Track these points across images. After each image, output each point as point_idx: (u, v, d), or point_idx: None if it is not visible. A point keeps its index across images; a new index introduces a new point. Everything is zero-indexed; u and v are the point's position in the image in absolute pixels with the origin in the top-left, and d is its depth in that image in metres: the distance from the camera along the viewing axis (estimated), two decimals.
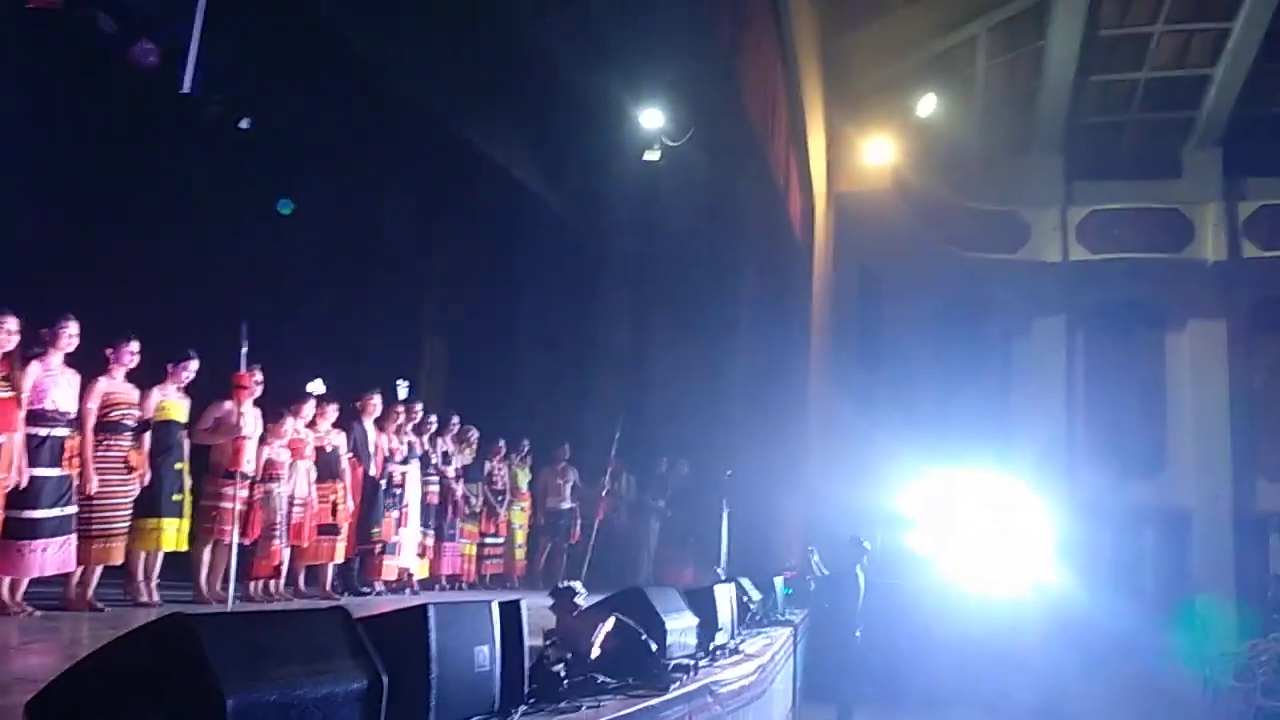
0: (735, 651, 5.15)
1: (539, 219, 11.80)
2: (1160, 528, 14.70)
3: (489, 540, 8.94)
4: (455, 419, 8.67)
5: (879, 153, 13.42)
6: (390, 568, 7.48)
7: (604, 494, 9.39)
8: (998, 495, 12.28)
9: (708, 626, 4.83)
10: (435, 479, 8.10)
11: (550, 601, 4.09)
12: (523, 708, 2.91)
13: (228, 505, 5.63)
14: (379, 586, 7.36)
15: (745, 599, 6.38)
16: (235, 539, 5.30)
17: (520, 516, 9.42)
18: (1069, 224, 15.18)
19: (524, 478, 9.53)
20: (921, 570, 10.49)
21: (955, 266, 14.92)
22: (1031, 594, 11.06)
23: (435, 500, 8.07)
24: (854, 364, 14.35)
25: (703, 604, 4.96)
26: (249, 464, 5.83)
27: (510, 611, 3.01)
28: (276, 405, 6.35)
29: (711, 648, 4.79)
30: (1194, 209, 14.95)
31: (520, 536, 9.42)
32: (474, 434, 8.86)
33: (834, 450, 12.40)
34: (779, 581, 8.41)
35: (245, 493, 5.79)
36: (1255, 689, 8.67)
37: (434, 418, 8.25)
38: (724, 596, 5.43)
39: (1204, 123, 15.14)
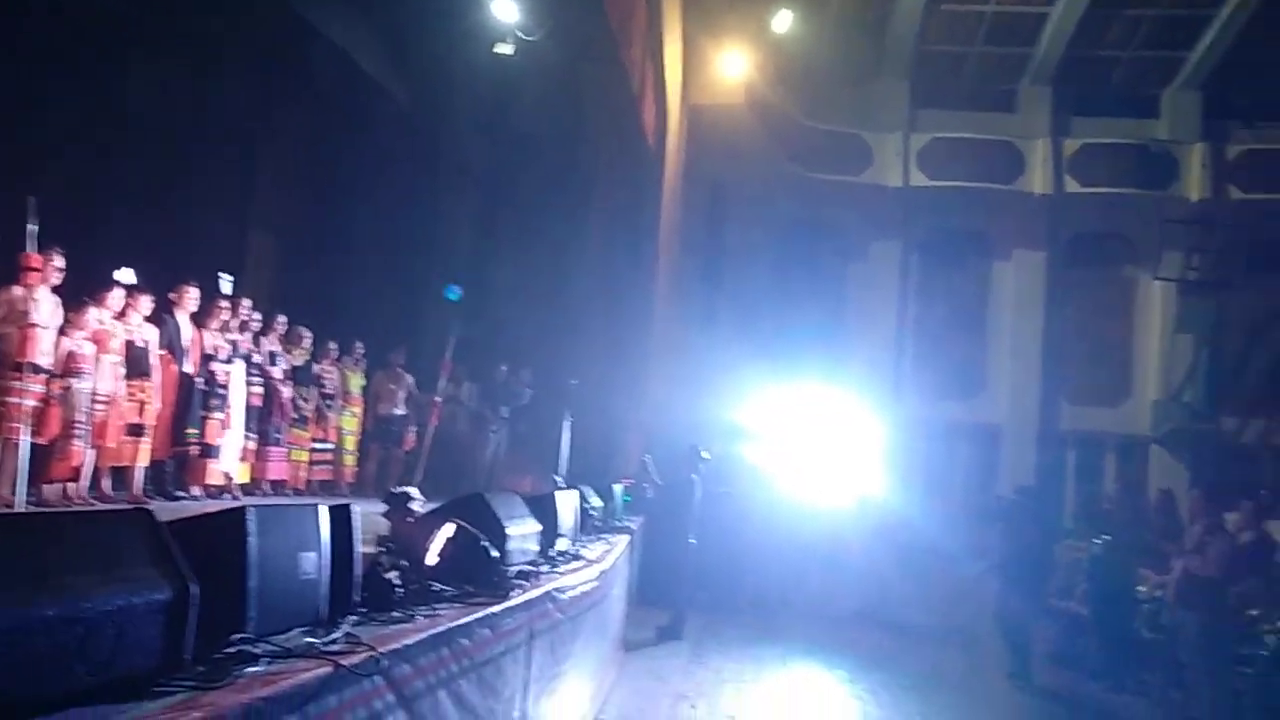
0: (577, 558, 5.09)
1: (381, 110, 11.14)
2: (974, 443, 15.65)
3: (318, 445, 8.56)
4: (282, 318, 8.17)
5: (733, 66, 13.31)
6: (213, 472, 7.05)
7: (437, 400, 9.10)
8: (830, 410, 12.67)
9: (549, 533, 4.73)
10: (260, 380, 7.64)
11: (384, 508, 3.88)
12: (352, 617, 2.72)
13: (16, 400, 5.08)
14: (197, 492, 6.92)
15: (587, 506, 6.33)
16: (27, 437, 4.80)
17: (351, 422, 9.05)
18: (911, 150, 15.58)
19: (356, 382, 9.13)
20: (756, 480, 10.76)
21: (800, 186, 15.12)
22: (857, 503, 11.53)
23: (259, 402, 7.62)
24: (699, 278, 14.45)
25: (545, 510, 4.86)
26: (43, 356, 5.28)
27: (340, 516, 2.80)
28: (81, 295, 5.77)
29: (553, 554, 4.70)
30: (1025, 143, 15.59)
31: (350, 443, 9.06)
32: (306, 336, 8.39)
33: (676, 363, 12.50)
34: (619, 489, 8.43)
35: (39, 388, 5.25)
36: (1052, 590, 9.34)
37: (259, 315, 7.75)
38: (566, 503, 5.35)
39: (1039, 60, 15.68)
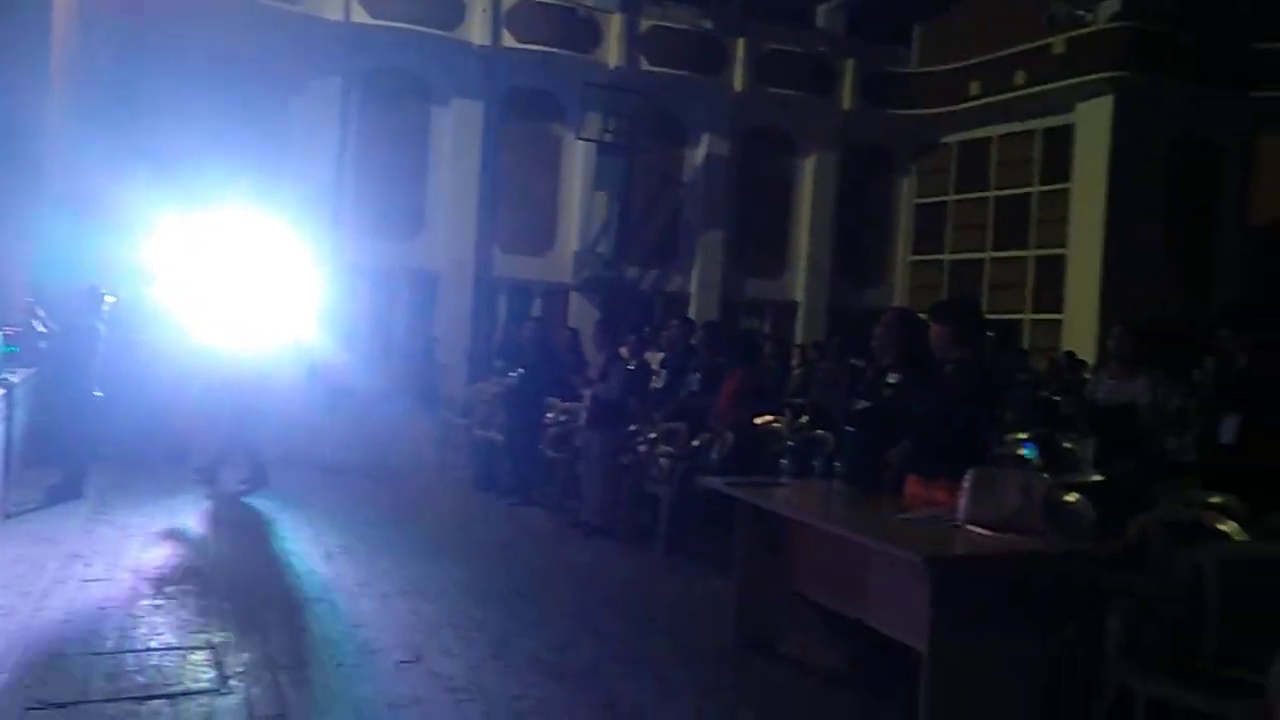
0: None
1: None
2: (412, 287, 16.06)
3: None
4: None
5: None
6: None
7: None
8: (262, 253, 12.04)
9: None
10: None
11: None
12: None
13: None
14: None
15: None
16: None
17: None
18: None
19: None
20: (172, 326, 9.91)
21: (238, 13, 13.84)
22: (289, 348, 11.21)
23: None
24: (107, 107, 12.60)
25: None
26: None
27: None
28: None
29: None
30: None
31: None
32: None
33: (74, 198, 10.88)
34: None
35: None
36: (474, 423, 10.04)
37: None
38: None
39: None
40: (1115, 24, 15.75)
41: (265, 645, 4.51)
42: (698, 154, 17.83)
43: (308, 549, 6.54)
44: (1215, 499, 4.82)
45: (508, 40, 15.89)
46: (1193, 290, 16.03)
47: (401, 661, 4.43)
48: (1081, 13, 16.35)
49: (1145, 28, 15.60)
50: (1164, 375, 6.17)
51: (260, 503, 7.89)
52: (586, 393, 7.97)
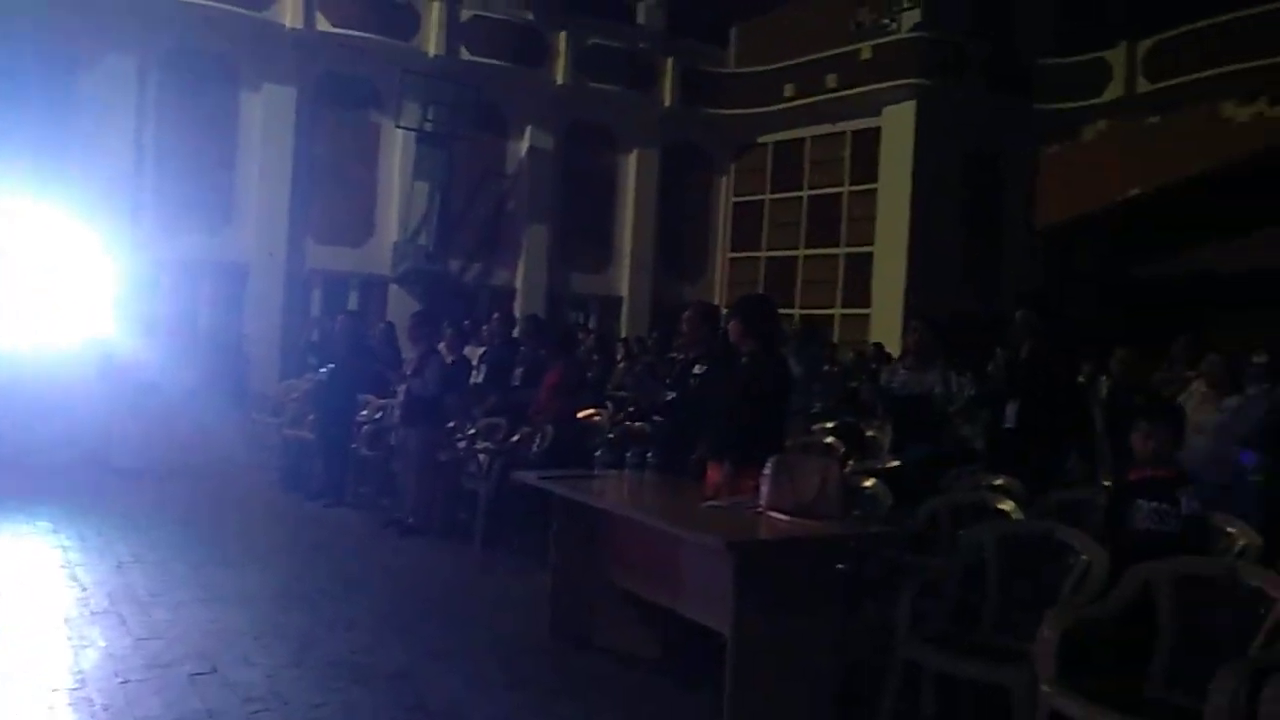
0: None
1: None
2: (219, 279, 15.23)
3: None
4: None
5: None
6: None
7: None
8: (53, 246, 11.19)
9: None
10: None
11: None
12: None
13: None
14: None
15: None
16: None
17: None
18: None
19: None
20: None
21: None
22: (81, 345, 10.43)
23: None
24: None
25: None
26: None
27: None
28: None
29: None
30: None
31: None
32: None
33: None
34: None
35: None
36: (284, 421, 9.63)
37: None
38: None
39: None
40: (916, 34, 16.66)
41: (38, 669, 4.17)
42: (521, 146, 17.70)
43: (94, 559, 6.08)
44: (997, 481, 5.18)
45: (322, 24, 15.28)
46: (987, 286, 17.18)
47: (194, 674, 4.18)
48: (886, 21, 17.20)
49: (941, 39, 16.57)
50: (958, 366, 6.59)
51: (43, 510, 7.28)
52: (401, 388, 7.77)
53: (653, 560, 4.36)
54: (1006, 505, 4.48)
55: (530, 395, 7.86)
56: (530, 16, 17.28)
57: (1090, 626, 3.37)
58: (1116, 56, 16.32)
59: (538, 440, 7.22)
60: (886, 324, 16.03)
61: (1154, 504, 3.65)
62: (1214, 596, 3.27)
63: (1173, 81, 15.54)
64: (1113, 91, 16.37)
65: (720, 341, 4.77)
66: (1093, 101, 16.64)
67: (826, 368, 11.43)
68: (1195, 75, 15.21)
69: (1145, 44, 16.02)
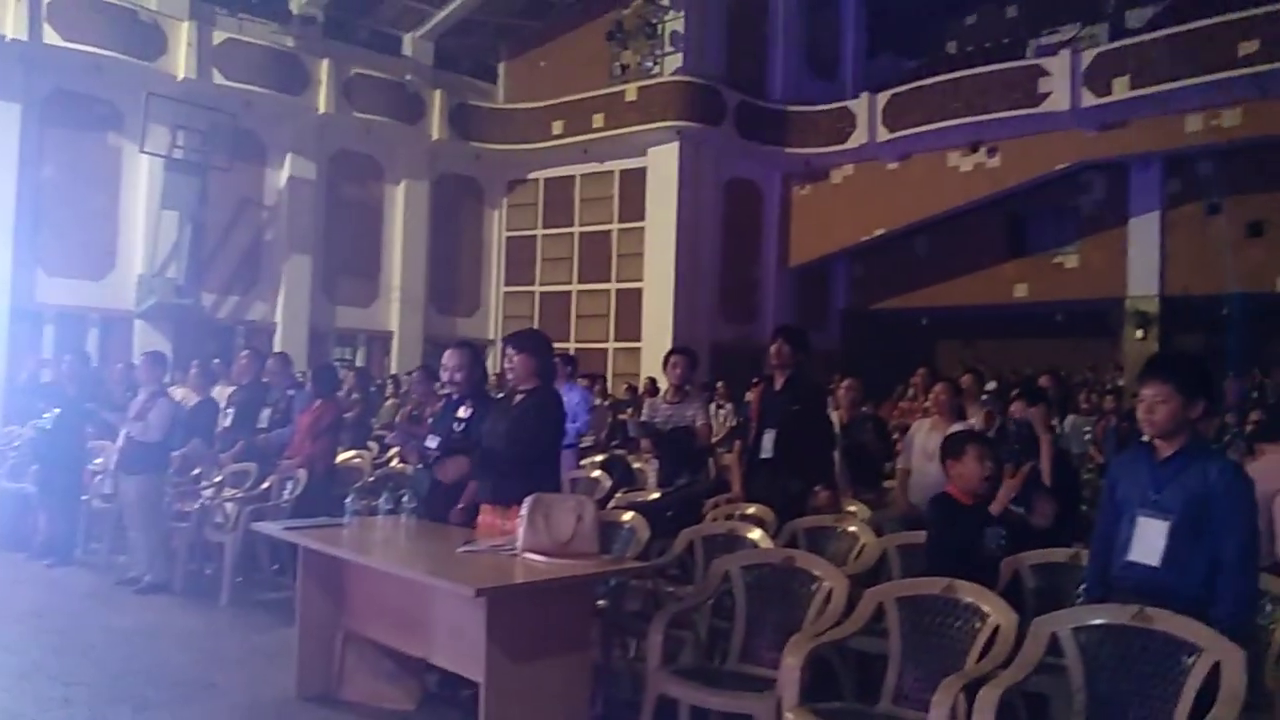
0: None
1: None
2: None
3: None
4: None
5: None
6: None
7: None
8: None
9: None
10: None
11: None
12: None
13: None
14: None
15: None
16: None
17: None
18: None
19: None
20: None
21: None
22: None
23: None
24: None
25: None
26: None
27: None
28: None
29: None
30: None
31: None
32: None
33: None
34: None
35: None
36: (4, 473, 8.66)
37: None
38: None
39: None
40: (677, 78, 17.32)
41: None
42: (281, 175, 16.95)
43: None
44: (750, 510, 5.36)
45: (50, 37, 14.06)
46: (747, 319, 17.99)
47: None
48: (649, 64, 17.79)
49: (702, 83, 17.31)
50: (721, 396, 6.79)
51: None
52: (122, 431, 7.15)
53: (404, 610, 4.19)
54: (755, 534, 4.64)
55: (282, 438, 7.44)
56: (290, 43, 16.64)
57: (833, 651, 3.52)
58: (860, 106, 17.64)
59: (289, 487, 6.84)
60: (658, 358, 16.27)
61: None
62: (934, 614, 3.49)
63: (907, 132, 16.96)
64: (857, 139, 17.66)
65: (483, 380, 4.67)
66: (839, 147, 17.87)
67: (597, 402, 11.55)
68: (925, 127, 16.67)
69: (883, 97, 17.40)
